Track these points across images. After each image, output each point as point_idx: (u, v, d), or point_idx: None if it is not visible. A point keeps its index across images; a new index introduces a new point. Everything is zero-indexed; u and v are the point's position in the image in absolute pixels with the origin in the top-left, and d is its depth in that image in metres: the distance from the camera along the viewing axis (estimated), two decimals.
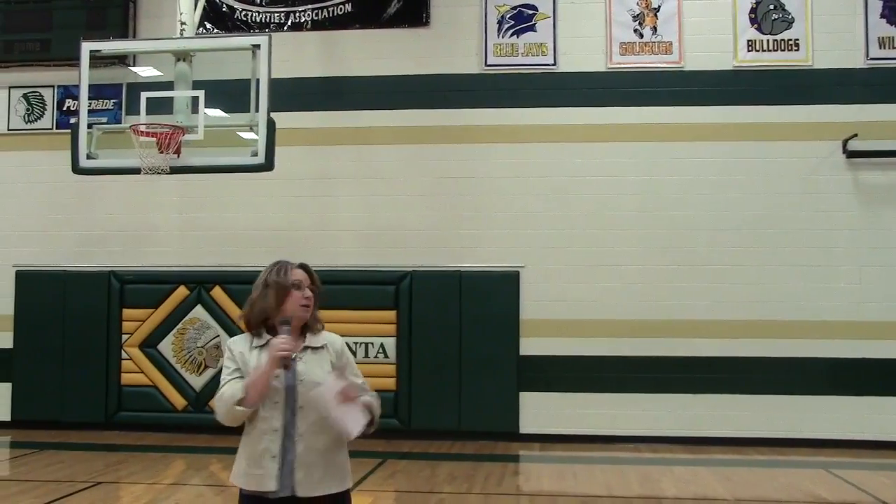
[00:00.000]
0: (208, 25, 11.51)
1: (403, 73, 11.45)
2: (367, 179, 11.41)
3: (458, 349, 10.87)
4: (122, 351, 11.52)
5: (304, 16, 11.57)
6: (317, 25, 11.57)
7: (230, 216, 11.55)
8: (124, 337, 11.52)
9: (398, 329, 11.11)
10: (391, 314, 11.14)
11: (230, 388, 3.64)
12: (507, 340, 10.96)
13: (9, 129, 12.04)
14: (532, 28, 11.33)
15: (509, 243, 11.15)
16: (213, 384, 11.19)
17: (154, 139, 8.71)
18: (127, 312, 11.55)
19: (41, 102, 11.99)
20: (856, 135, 10.75)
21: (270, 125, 8.78)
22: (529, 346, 11.00)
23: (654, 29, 11.16)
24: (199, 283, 11.47)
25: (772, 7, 11.05)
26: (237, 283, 11.17)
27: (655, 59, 11.15)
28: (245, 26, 11.60)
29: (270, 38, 8.96)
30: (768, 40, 11.06)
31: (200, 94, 8.83)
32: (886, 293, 10.72)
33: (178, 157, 8.82)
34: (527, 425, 10.96)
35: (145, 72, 11.52)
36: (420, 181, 11.36)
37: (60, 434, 11.04)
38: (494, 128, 11.27)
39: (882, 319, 10.68)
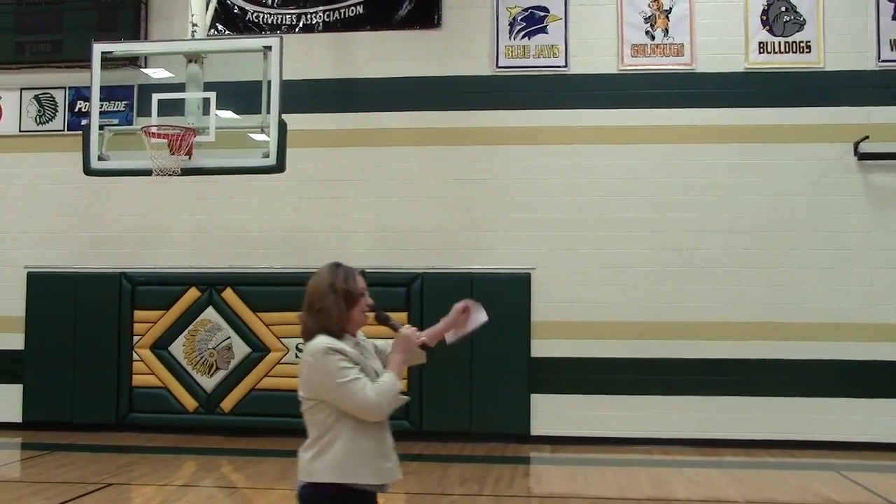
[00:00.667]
0: (220, 27, 11.54)
1: (415, 74, 11.44)
2: (379, 181, 11.41)
3: (469, 351, 10.82)
4: (134, 352, 11.53)
5: (315, 17, 11.58)
6: (328, 27, 11.58)
7: (241, 218, 11.55)
8: (135, 338, 11.52)
9: None
10: (402, 316, 11.10)
11: (388, 381, 3.72)
12: (518, 342, 10.94)
13: (20, 131, 12.06)
14: (543, 30, 11.31)
15: (520, 245, 11.14)
16: (225, 386, 11.26)
17: (165, 141, 8.72)
18: (138, 314, 11.56)
19: (53, 104, 12.02)
20: (867, 137, 10.72)
21: (282, 127, 8.79)
22: (540, 347, 10.99)
23: (666, 31, 11.14)
24: (211, 285, 11.44)
25: (783, 9, 11.02)
26: (248, 284, 11.19)
27: (667, 60, 11.13)
28: (256, 28, 11.61)
29: (282, 39, 8.98)
30: (780, 42, 11.03)
31: (212, 95, 8.85)
32: None
33: (190, 158, 8.84)
34: (538, 427, 10.94)
35: (157, 73, 11.55)
36: (431, 183, 11.36)
37: (71, 435, 11.06)
38: (505, 130, 11.27)
39: (894, 321, 10.64)
